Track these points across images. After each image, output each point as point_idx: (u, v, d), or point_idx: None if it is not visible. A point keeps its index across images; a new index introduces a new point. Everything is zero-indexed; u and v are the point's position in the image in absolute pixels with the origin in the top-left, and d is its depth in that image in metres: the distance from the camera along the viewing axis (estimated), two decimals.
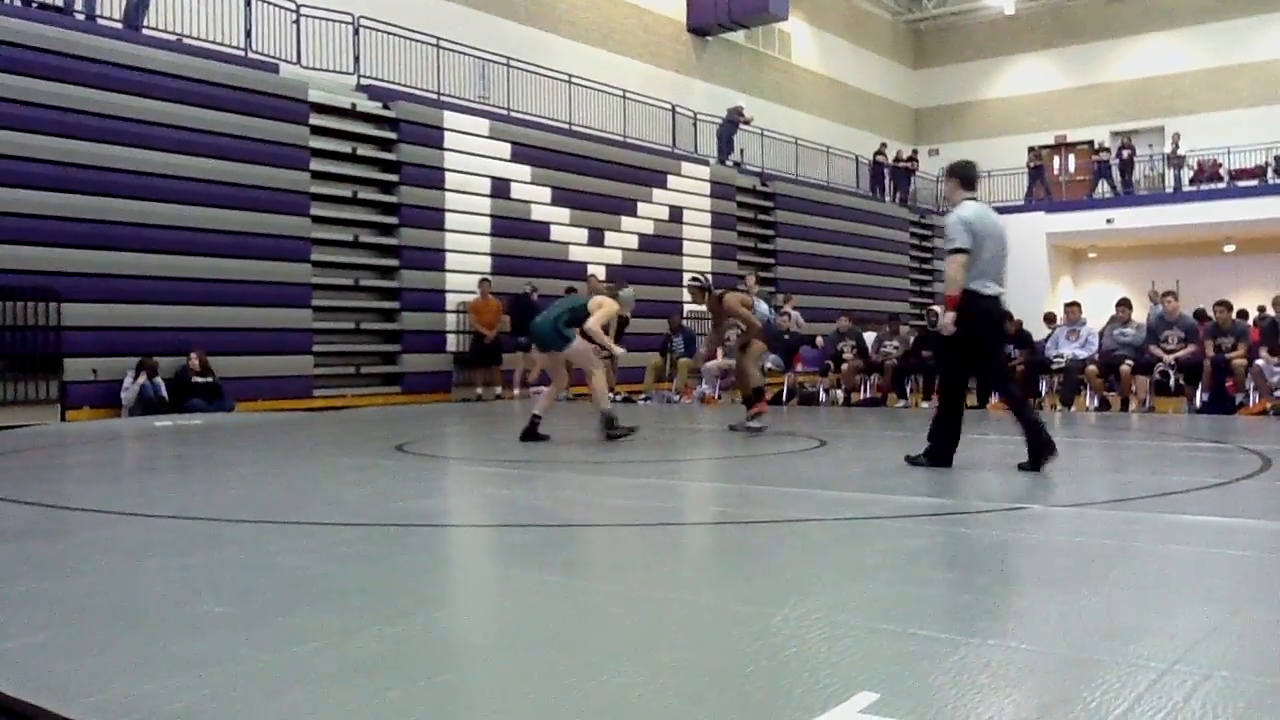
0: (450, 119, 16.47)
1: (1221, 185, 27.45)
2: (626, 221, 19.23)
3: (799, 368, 15.65)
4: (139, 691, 2.43)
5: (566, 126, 18.98)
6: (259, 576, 3.71)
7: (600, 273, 17.65)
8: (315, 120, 14.65)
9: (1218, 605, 3.25)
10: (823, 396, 15.10)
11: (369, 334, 15.53)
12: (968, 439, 9.47)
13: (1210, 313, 13.23)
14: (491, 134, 17.05)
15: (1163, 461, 7.62)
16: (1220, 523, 4.79)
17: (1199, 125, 28.72)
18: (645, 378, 15.90)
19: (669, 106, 21.86)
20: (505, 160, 17.19)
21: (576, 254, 18.13)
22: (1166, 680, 2.44)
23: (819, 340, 16.74)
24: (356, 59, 16.03)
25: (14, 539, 4.59)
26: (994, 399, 13.67)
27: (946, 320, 6.52)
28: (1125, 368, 12.57)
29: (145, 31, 13.47)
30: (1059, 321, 14.32)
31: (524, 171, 17.46)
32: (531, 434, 8.84)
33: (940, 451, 6.64)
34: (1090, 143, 30.07)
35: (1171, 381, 12.46)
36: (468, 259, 16.43)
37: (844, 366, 14.95)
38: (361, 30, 16.03)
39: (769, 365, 14.78)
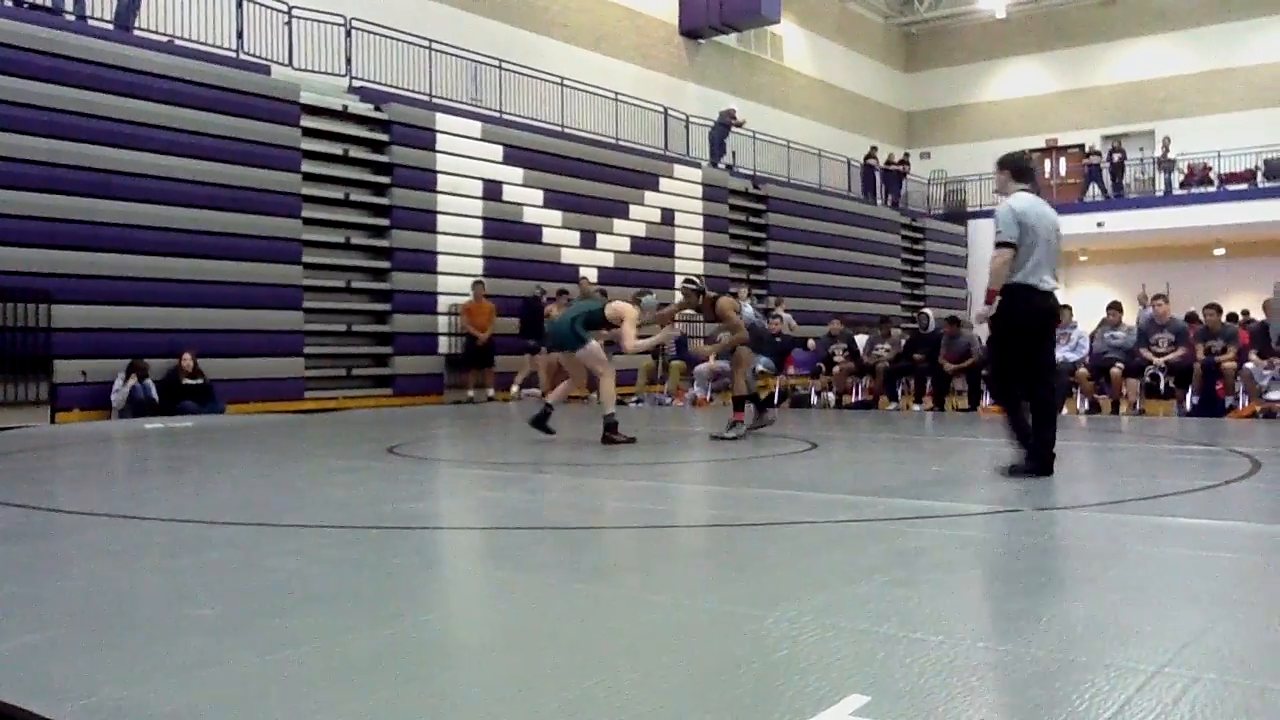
0: (442, 121, 16.47)
1: (1212, 189, 27.55)
2: (619, 224, 19.23)
3: (791, 370, 15.68)
4: (129, 694, 2.42)
5: (559, 129, 18.98)
6: (249, 579, 3.70)
7: (592, 275, 17.65)
8: (307, 122, 14.62)
9: (1207, 608, 3.26)
10: (814, 399, 15.12)
11: (360, 336, 15.51)
12: (959, 440, 9.52)
13: (1200, 316, 13.27)
14: (483, 136, 17.04)
15: (1153, 464, 7.64)
16: (1210, 525, 4.80)
17: (1189, 129, 28.82)
18: (637, 380, 15.91)
19: (661, 109, 21.87)
20: (497, 162, 17.19)
21: (568, 256, 18.13)
22: (1156, 683, 2.45)
23: (811, 343, 16.79)
24: (348, 61, 16.01)
25: (3, 541, 4.58)
26: (986, 401, 13.75)
27: (982, 311, 6.43)
28: (1116, 370, 12.61)
29: (136, 32, 13.44)
30: None
31: (516, 174, 17.45)
32: (541, 422, 9.00)
33: (1036, 453, 6.25)
34: (1081, 146, 30.17)
35: (1162, 384, 12.50)
36: (459, 261, 16.41)
37: (835, 369, 14.97)
38: (353, 32, 16.01)
39: (760, 368, 14.80)
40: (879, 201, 28.23)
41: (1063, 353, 13.18)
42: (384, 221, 15.61)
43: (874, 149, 29.01)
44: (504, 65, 18.43)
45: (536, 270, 17.26)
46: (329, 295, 14.92)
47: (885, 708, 2.26)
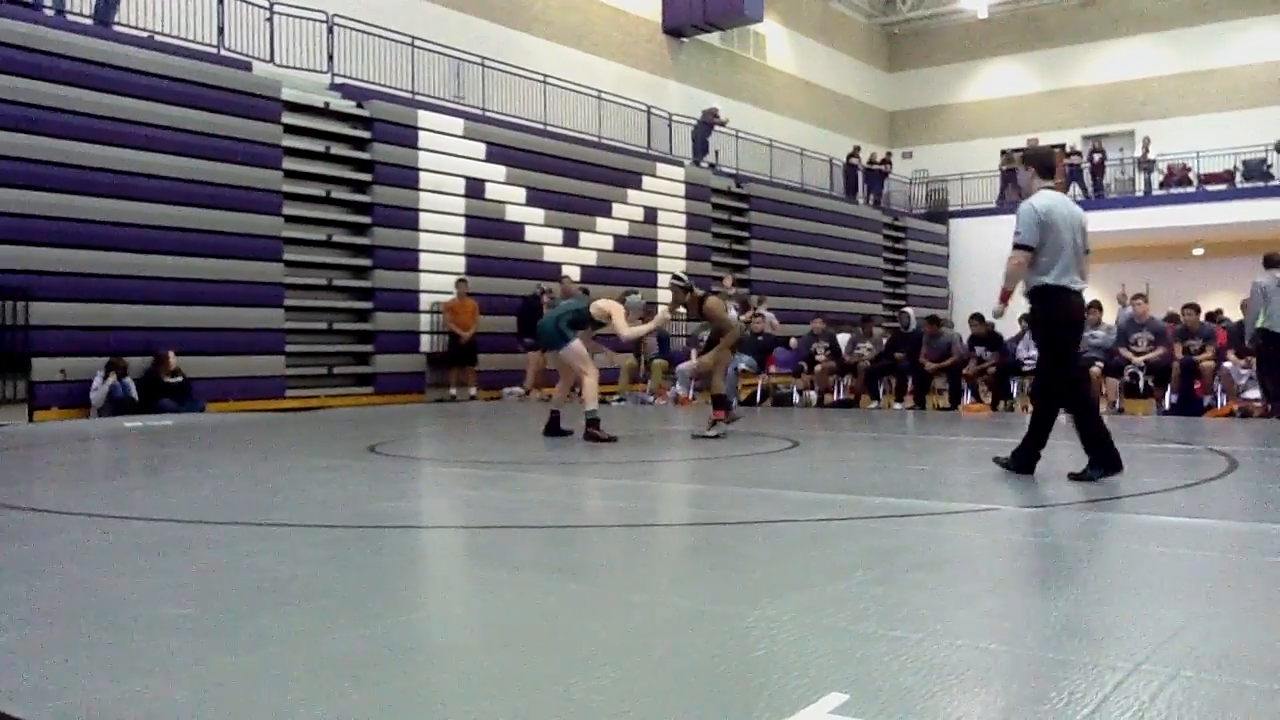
0: (425, 118, 16.42)
1: (1191, 189, 27.73)
2: (601, 222, 19.22)
3: (773, 369, 15.70)
4: (103, 696, 2.41)
5: (541, 127, 18.95)
6: (228, 579, 3.68)
7: (575, 273, 17.63)
8: (288, 119, 14.55)
9: (1184, 606, 3.28)
10: (796, 398, 15.16)
11: (342, 334, 15.45)
12: (940, 439, 9.55)
13: (1180, 315, 13.36)
14: (466, 134, 17.00)
15: (1131, 463, 7.65)
16: (1187, 524, 4.83)
17: (1169, 130, 29.01)
18: (619, 378, 15.90)
19: (644, 107, 21.87)
20: (480, 160, 17.15)
21: (551, 255, 18.10)
22: (1133, 680, 2.46)
23: (793, 342, 16.82)
24: (330, 57, 15.95)
25: None
26: (968, 401, 13.82)
27: (997, 310, 6.38)
28: (1095, 370, 12.66)
29: (116, 28, 13.36)
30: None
31: (499, 172, 17.42)
32: (555, 428, 9.24)
33: (1105, 459, 6.03)
34: (1062, 146, 30.28)
35: (1141, 383, 12.58)
36: (442, 259, 16.38)
37: (817, 368, 15.01)
38: (335, 29, 15.95)
39: (742, 366, 14.83)
40: (861, 201, 28.31)
41: None
42: (366, 219, 15.56)
43: (857, 148, 29.09)
44: (487, 62, 18.39)
45: (519, 269, 17.25)
46: (310, 293, 14.86)
47: (864, 706, 2.27)
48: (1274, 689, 2.41)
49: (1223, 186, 27.31)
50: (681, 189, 21.22)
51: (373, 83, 16.30)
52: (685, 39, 25.67)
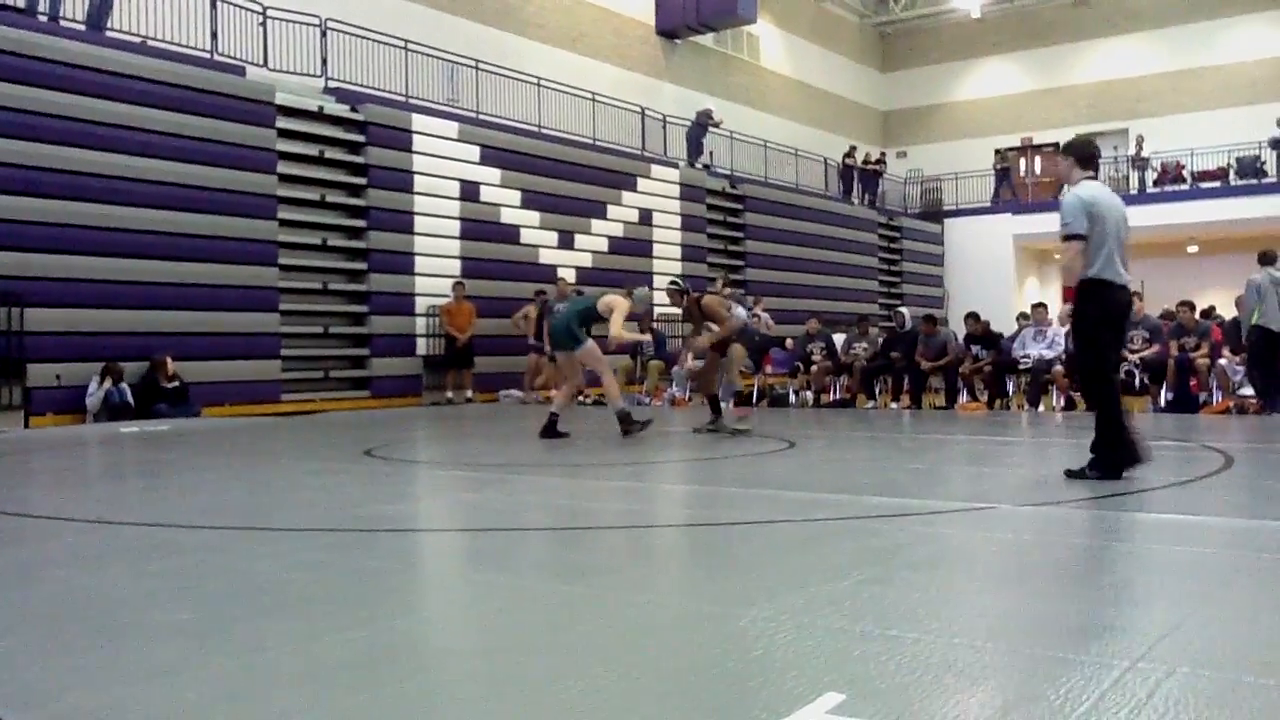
0: (419, 122, 16.41)
1: (1185, 187, 27.77)
2: (596, 224, 19.22)
3: (769, 369, 15.72)
4: (98, 700, 2.40)
5: (536, 129, 18.95)
6: (223, 583, 3.68)
7: (570, 275, 17.63)
8: (282, 123, 14.55)
9: (1181, 603, 3.28)
10: (792, 398, 15.16)
11: (337, 338, 15.43)
12: (936, 438, 9.56)
13: (1175, 313, 13.38)
14: (460, 137, 16.99)
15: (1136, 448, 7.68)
16: (1183, 520, 4.84)
17: (1162, 128, 29.05)
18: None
19: (638, 109, 21.87)
20: (474, 163, 17.14)
21: (546, 257, 18.10)
22: (1130, 677, 2.46)
23: (789, 342, 16.82)
24: (324, 62, 15.94)
25: None
26: (964, 399, 13.83)
27: (1066, 312, 6.33)
28: None
29: (109, 33, 13.34)
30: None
31: (493, 174, 17.41)
32: (551, 431, 9.21)
33: (1110, 462, 5.89)
34: (1056, 144, 30.28)
35: (1136, 381, 12.59)
36: (437, 262, 16.37)
37: (813, 368, 15.02)
38: (329, 33, 15.94)
39: (740, 367, 14.83)
40: (856, 201, 28.32)
41: (1039, 350, 13.30)
42: (360, 223, 15.55)
43: (853, 148, 29.11)
44: (481, 66, 18.39)
45: (514, 271, 17.25)
46: (305, 297, 14.85)
47: (861, 705, 2.27)
48: (1271, 685, 2.41)
49: (1216, 184, 27.34)
50: (676, 190, 21.22)
51: (367, 86, 16.29)
52: (679, 40, 25.67)
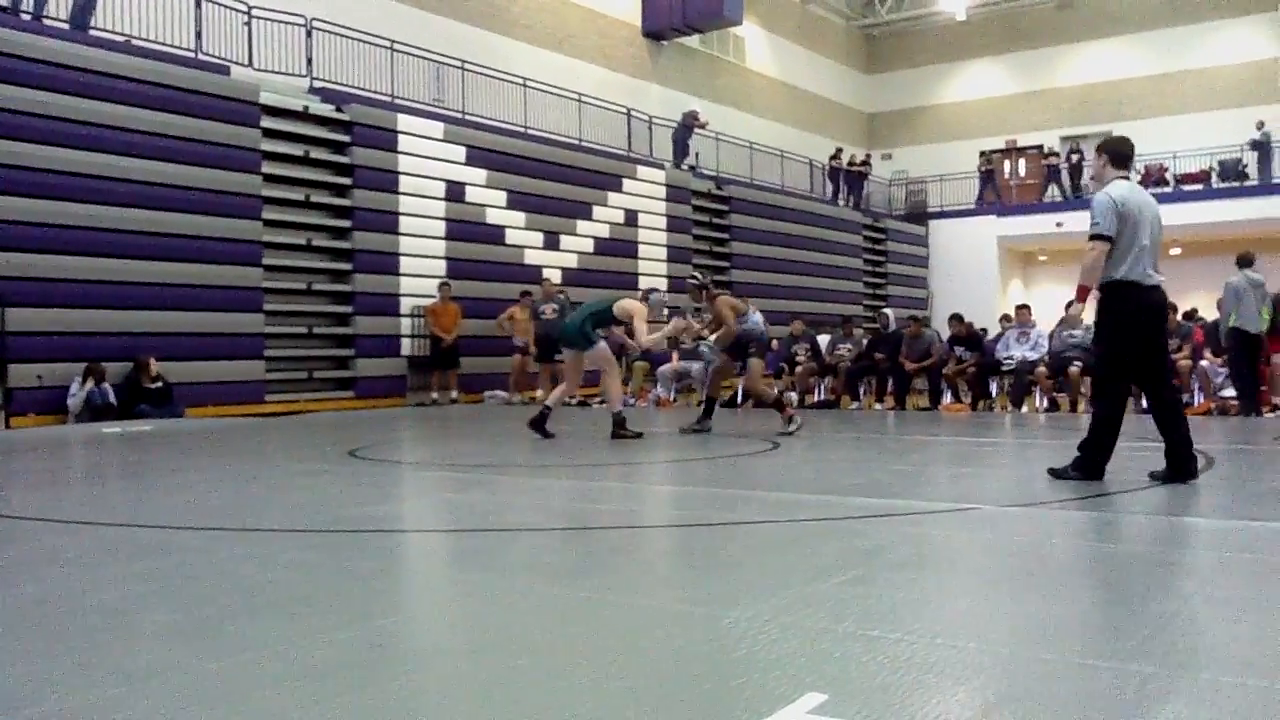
0: (404, 122, 16.39)
1: (1167, 189, 27.90)
2: (582, 225, 19.21)
3: None
4: (78, 702, 2.39)
5: (522, 130, 18.93)
6: (207, 585, 3.67)
7: (555, 276, 17.62)
8: (267, 123, 14.50)
9: (1161, 602, 3.31)
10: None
11: (322, 338, 15.39)
12: (920, 439, 9.60)
13: None
14: (446, 137, 16.97)
15: (1110, 461, 7.72)
16: (1165, 521, 4.88)
17: (1145, 130, 29.11)
18: (600, 380, 15.89)
19: (624, 110, 21.88)
20: (460, 164, 17.12)
21: (532, 258, 18.09)
22: (1111, 678, 2.48)
23: (774, 343, 16.81)
24: (309, 61, 15.89)
25: None
26: (948, 401, 13.88)
27: (1075, 311, 6.13)
28: (1074, 369, 12.76)
29: (93, 32, 13.27)
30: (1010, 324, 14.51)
31: (479, 175, 17.40)
32: (540, 425, 9.34)
33: (1092, 463, 5.88)
34: (1040, 147, 30.48)
35: None
36: (422, 263, 16.34)
37: (798, 369, 15.05)
38: (314, 32, 15.90)
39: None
40: (841, 202, 28.40)
41: (1022, 351, 13.36)
42: (345, 223, 15.51)
43: (839, 150, 29.20)
44: (466, 66, 18.37)
45: (500, 272, 17.24)
46: (290, 297, 14.81)
47: (843, 705, 2.28)
48: (1252, 684, 2.43)
49: (1199, 186, 27.51)
50: (662, 191, 21.24)
51: (352, 86, 16.26)
52: (665, 42, 25.69)
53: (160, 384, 12.52)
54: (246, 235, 13.99)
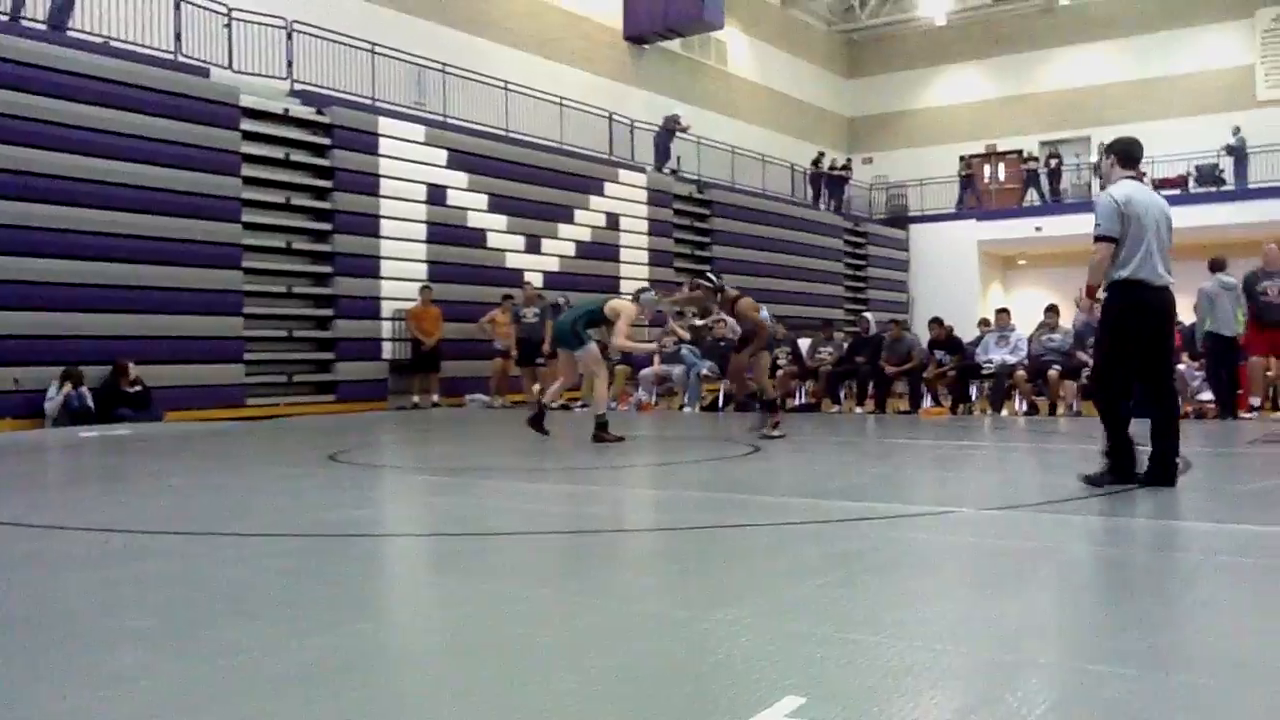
0: (385, 125, 16.34)
1: None
2: (564, 229, 19.20)
3: None
4: (55, 709, 2.38)
5: (503, 133, 18.91)
6: (185, 589, 3.65)
7: (537, 280, 17.60)
8: (247, 125, 14.43)
9: (1137, 605, 3.33)
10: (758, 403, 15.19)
11: (302, 342, 15.33)
12: (900, 442, 9.63)
13: None
14: (427, 140, 16.94)
15: (1089, 465, 7.75)
16: (1141, 524, 4.91)
17: (1118, 136, 29.35)
18: (583, 384, 15.87)
19: (606, 114, 21.88)
20: (441, 167, 17.09)
21: (513, 261, 18.07)
22: (1086, 679, 2.50)
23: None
24: (289, 64, 15.83)
25: None
26: (928, 404, 13.93)
27: (1081, 310, 6.17)
28: (1053, 373, 12.82)
29: (71, 33, 13.19)
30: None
31: (460, 178, 17.36)
32: (537, 422, 9.37)
33: (1120, 467, 5.81)
34: (1019, 152, 30.63)
35: None
36: (404, 266, 16.30)
37: (779, 372, 15.06)
38: (295, 34, 15.83)
39: (705, 371, 14.89)
40: (822, 206, 28.47)
41: (1002, 355, 13.42)
42: (326, 226, 15.46)
43: (821, 154, 29.29)
44: (448, 69, 18.33)
45: (481, 275, 17.21)
46: (270, 300, 14.74)
47: (821, 708, 2.29)
48: (1226, 687, 2.45)
49: (1176, 191, 27.66)
50: (644, 195, 21.25)
51: (333, 89, 16.20)
52: (646, 46, 25.71)
53: (139, 388, 12.43)
54: (226, 238, 13.92)
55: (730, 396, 15.31)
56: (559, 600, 3.47)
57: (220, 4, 14.79)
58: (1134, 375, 5.87)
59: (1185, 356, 12.69)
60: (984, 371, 13.61)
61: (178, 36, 14.25)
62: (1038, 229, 28.41)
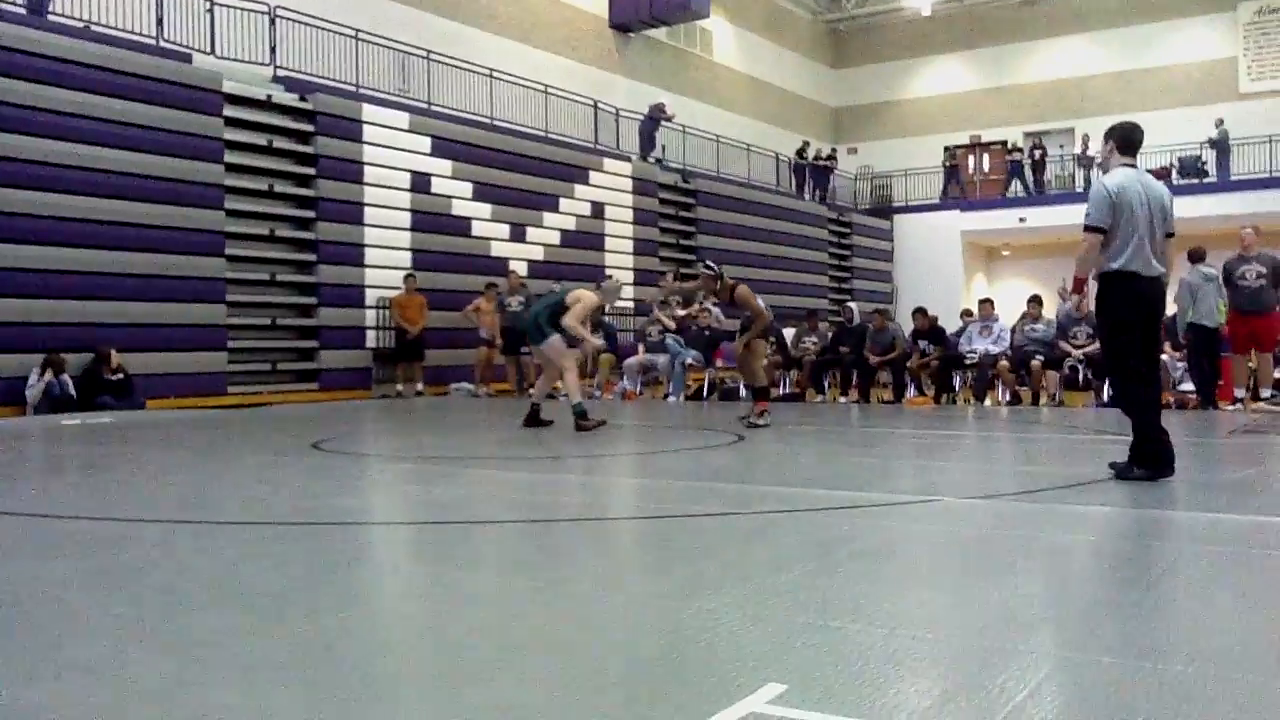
0: (369, 112, 16.26)
1: None
2: (548, 217, 19.16)
3: (719, 363, 15.74)
4: (26, 699, 2.36)
5: (488, 121, 18.85)
6: (163, 577, 3.63)
7: (521, 268, 17.56)
8: (229, 112, 14.34)
9: (1116, 593, 3.34)
10: (743, 392, 15.20)
11: (285, 330, 15.26)
12: (883, 431, 9.66)
13: None
14: (411, 128, 16.87)
15: (1070, 454, 7.81)
16: (1121, 513, 4.93)
17: (1106, 127, 29.48)
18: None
19: (591, 102, 21.84)
20: (425, 154, 17.02)
21: (498, 249, 18.02)
22: (1065, 667, 2.51)
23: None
24: (272, 50, 15.74)
25: None
26: (911, 394, 13.97)
27: (1072, 302, 6.02)
28: (1036, 363, 12.87)
29: (52, 18, 13.08)
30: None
31: (445, 166, 17.30)
32: (535, 420, 9.45)
33: (1150, 454, 5.73)
34: (1004, 143, 30.72)
35: (1080, 376, 12.79)
36: (388, 254, 16.24)
37: (764, 362, 15.07)
38: (278, 20, 15.74)
39: (689, 361, 14.89)
40: (806, 196, 28.49)
41: (985, 345, 13.46)
42: (309, 213, 15.38)
43: (806, 144, 29.30)
44: (432, 56, 18.26)
45: (466, 264, 17.16)
46: (252, 288, 14.66)
47: (802, 695, 2.29)
48: (1204, 674, 2.46)
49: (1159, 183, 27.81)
50: (629, 184, 21.22)
51: (316, 75, 16.11)
52: (632, 34, 25.66)
53: (121, 375, 12.37)
54: (209, 225, 13.84)
55: (713, 385, 15.35)
56: (538, 588, 3.47)
57: None
58: (1143, 361, 5.77)
59: (1167, 347, 12.75)
60: (967, 361, 13.64)
61: (160, 21, 14.15)
62: (1021, 220, 28.50)
